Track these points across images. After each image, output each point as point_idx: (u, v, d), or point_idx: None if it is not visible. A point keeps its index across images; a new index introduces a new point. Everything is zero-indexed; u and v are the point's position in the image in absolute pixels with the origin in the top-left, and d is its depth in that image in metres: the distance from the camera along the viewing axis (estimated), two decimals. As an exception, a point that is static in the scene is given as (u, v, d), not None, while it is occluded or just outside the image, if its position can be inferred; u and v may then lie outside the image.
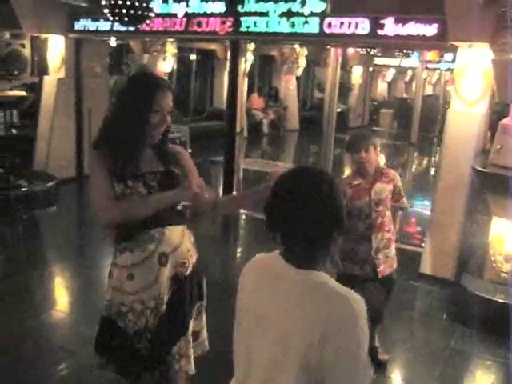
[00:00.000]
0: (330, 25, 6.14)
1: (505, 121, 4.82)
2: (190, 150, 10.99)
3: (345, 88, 17.83)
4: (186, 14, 7.23)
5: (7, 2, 7.81)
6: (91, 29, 8.28)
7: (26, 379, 3.66)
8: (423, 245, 5.89)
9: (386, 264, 3.73)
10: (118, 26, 7.32)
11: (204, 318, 2.65)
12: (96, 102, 9.24)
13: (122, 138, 2.32)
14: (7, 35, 7.91)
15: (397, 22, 5.68)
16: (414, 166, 14.34)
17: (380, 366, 3.87)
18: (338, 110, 15.81)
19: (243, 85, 8.32)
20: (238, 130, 7.90)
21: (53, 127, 8.70)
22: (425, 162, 15.32)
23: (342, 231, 1.52)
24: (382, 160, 14.98)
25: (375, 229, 3.66)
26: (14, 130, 8.58)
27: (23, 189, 7.47)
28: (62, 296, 5.29)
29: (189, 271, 2.48)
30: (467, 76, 5.23)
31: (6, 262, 5.89)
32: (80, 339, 4.22)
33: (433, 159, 15.10)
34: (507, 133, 4.63)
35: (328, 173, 1.58)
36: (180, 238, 2.43)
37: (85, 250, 6.49)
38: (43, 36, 8.22)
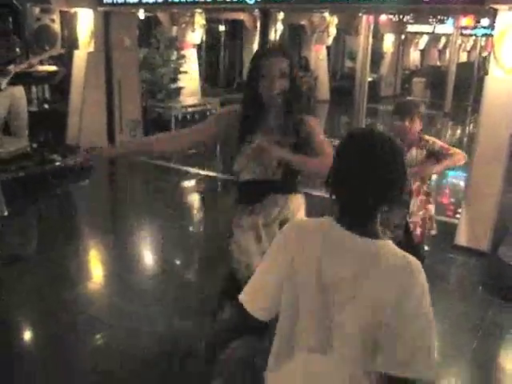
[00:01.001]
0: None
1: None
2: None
3: (376, 57, 17.48)
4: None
5: (36, -23, 7.83)
6: (119, 1, 8.23)
7: (63, 348, 3.75)
8: (458, 216, 5.77)
9: (423, 227, 3.67)
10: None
11: None
12: (126, 75, 9.26)
13: (247, 99, 2.53)
14: (37, 10, 7.90)
15: (432, -15, 5.49)
16: (448, 136, 14.02)
17: None
18: (370, 79, 15.58)
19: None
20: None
21: (84, 101, 8.75)
22: (459, 131, 14.98)
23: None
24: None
25: (411, 193, 3.62)
26: (46, 105, 8.66)
27: (57, 163, 7.57)
28: (96, 269, 5.36)
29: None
30: (507, 41, 5.03)
31: (41, 236, 6.00)
32: (114, 311, 4.29)
33: (467, 129, 14.76)
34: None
35: (395, 140, 1.55)
36: (298, 207, 2.57)
37: (118, 224, 6.57)
38: (72, 10, 8.20)
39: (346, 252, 1.52)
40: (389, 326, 1.45)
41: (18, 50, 7.30)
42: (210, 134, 2.62)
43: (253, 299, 1.66)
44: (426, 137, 3.71)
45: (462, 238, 5.57)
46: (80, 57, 8.57)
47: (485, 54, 19.60)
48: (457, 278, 5.29)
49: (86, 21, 8.36)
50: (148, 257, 5.65)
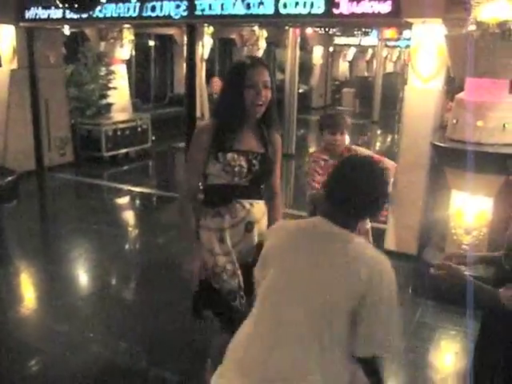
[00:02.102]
0: (285, 5, 6.09)
1: (460, 95, 4.88)
2: (153, 138, 10.91)
3: (306, 68, 17.83)
4: (140, -1, 7.09)
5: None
6: (42, 17, 8.04)
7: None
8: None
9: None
10: (70, 14, 7.16)
11: None
12: (53, 93, 9.06)
13: (226, 111, 2.58)
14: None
15: (351, 0, 5.67)
16: (378, 144, 14.46)
17: None
18: (301, 90, 15.85)
19: (202, 69, 8.22)
20: (198, 115, 7.82)
21: (8, 120, 8.48)
22: (388, 139, 15.46)
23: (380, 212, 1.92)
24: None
25: None
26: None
27: (-19, 184, 7.28)
28: (27, 292, 5.19)
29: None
30: (422, 52, 5.28)
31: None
32: (47, 336, 4.17)
33: (396, 136, 15.27)
34: (462, 107, 4.68)
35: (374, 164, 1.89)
36: (262, 214, 2.71)
37: (48, 245, 6.38)
38: (-6, 27, 7.97)
39: (320, 240, 1.84)
40: (360, 313, 1.72)
41: None
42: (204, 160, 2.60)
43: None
44: (354, 147, 3.78)
45: (391, 243, 5.74)
46: (2, 74, 8.32)
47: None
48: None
49: (7, 37, 8.13)
50: (81, 277, 5.51)
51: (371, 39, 17.06)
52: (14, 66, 8.32)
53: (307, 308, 1.75)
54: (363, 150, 3.79)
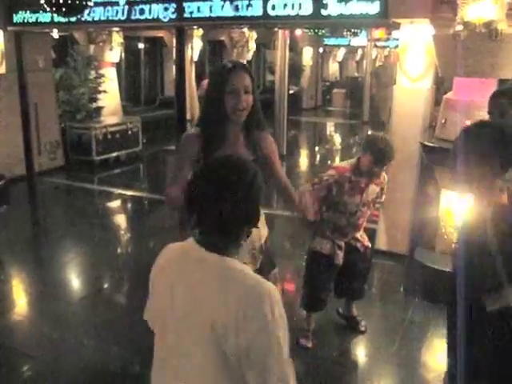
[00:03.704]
0: (273, 7, 6.10)
1: (448, 95, 4.90)
2: (144, 141, 10.89)
3: (296, 70, 17.86)
4: (128, 2, 7.08)
5: None
6: (31, 21, 8.01)
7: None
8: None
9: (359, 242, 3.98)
10: (58, 18, 7.12)
11: (279, 285, 3.00)
12: (42, 97, 9.03)
13: (209, 117, 2.55)
14: None
15: (339, 1, 5.69)
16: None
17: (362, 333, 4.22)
18: (291, 91, 15.86)
19: (191, 71, 8.22)
20: (188, 117, 7.81)
21: (-2, 124, 8.44)
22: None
23: (252, 228, 1.60)
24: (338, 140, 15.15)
25: (354, 227, 3.85)
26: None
27: (-30, 190, 7.23)
28: (19, 298, 5.16)
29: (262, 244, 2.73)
30: (410, 52, 5.31)
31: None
32: (39, 342, 4.15)
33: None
34: (451, 107, 4.71)
35: (253, 167, 1.62)
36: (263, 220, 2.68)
37: (39, 250, 6.36)
38: (-19, 31, 7.93)
39: (196, 268, 1.56)
40: (247, 361, 1.44)
41: None
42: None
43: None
44: (383, 174, 3.85)
45: (382, 243, 5.76)
46: (-9, 79, 8.28)
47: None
48: (378, 281, 5.46)
49: (-4, 42, 8.10)
50: (73, 282, 5.50)
51: (361, 40, 17.11)
52: (3, 70, 8.27)
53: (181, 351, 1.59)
54: (385, 176, 3.89)
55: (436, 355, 4.03)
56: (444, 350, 4.09)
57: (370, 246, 4.08)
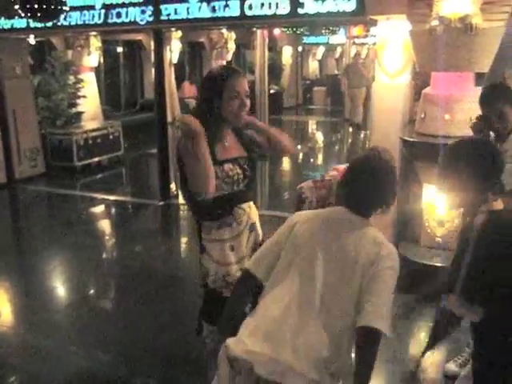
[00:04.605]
0: (250, 7, 6.11)
1: (427, 90, 4.94)
2: (125, 145, 10.82)
3: (276, 69, 17.86)
4: (105, 6, 7.03)
5: None
6: (6, 27, 7.93)
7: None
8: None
9: None
10: (34, 23, 7.05)
11: None
12: (20, 103, 8.96)
13: (207, 123, 2.50)
14: None
15: (316, -1, 5.71)
16: (350, 141, 14.55)
17: None
18: (272, 91, 15.87)
19: (170, 74, 8.17)
20: (169, 120, 7.78)
21: (-24, 133, 8.35)
22: (361, 136, 15.58)
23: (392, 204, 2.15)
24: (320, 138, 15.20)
25: None
26: None
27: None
28: (2, 308, 5.09)
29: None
30: (388, 48, 5.33)
31: None
32: (26, 352, 4.11)
33: (368, 132, 15.38)
34: (429, 101, 4.74)
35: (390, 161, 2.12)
36: (256, 214, 2.79)
37: (22, 259, 6.27)
38: (-46, 39, 7.83)
39: (339, 224, 2.06)
40: (368, 287, 1.90)
41: None
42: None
43: (255, 263, 2.18)
44: None
45: (366, 239, 5.77)
46: (-32, 87, 8.18)
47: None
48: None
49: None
50: (58, 290, 5.44)
51: (339, 37, 17.19)
52: (-21, 78, 8.18)
53: (329, 283, 1.96)
54: None
55: (422, 349, 4.05)
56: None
57: None
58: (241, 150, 2.70)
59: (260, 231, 2.80)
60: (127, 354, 4.02)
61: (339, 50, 23.58)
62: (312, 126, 17.19)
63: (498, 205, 2.06)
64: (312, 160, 11.97)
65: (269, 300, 2.03)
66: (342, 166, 3.88)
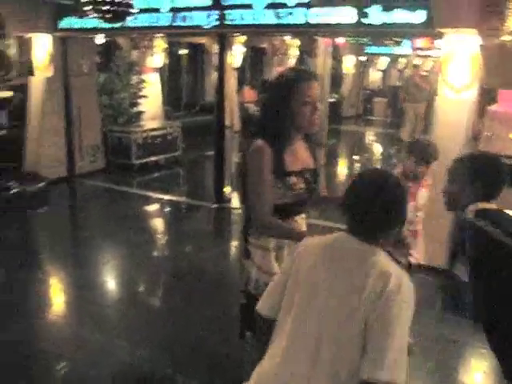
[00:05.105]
0: (315, 15, 6.06)
1: (493, 107, 4.77)
2: (183, 146, 10.97)
3: (337, 78, 17.74)
4: (171, 9, 7.16)
5: (-10, 3, 7.75)
6: (76, 27, 8.19)
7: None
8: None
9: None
10: (102, 24, 7.24)
11: None
12: (85, 100, 9.20)
13: (276, 131, 2.42)
14: (-9, 36, 7.82)
15: (383, 10, 5.61)
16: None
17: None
18: (332, 99, 15.75)
19: (231, 78, 8.23)
20: (227, 123, 7.82)
21: (42, 127, 8.64)
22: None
23: (401, 226, 1.90)
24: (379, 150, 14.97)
25: (414, 235, 3.75)
26: (3, 131, 8.51)
27: (13, 190, 7.42)
28: (55, 298, 5.26)
29: None
30: (454, 62, 5.17)
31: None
32: (72, 342, 4.20)
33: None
34: (495, 119, 4.58)
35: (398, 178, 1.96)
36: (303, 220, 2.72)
37: (77, 251, 6.45)
38: (28, 35, 8.12)
39: (342, 254, 1.84)
40: (372, 328, 1.67)
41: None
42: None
43: (263, 300, 2.03)
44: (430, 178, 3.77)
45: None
46: (37, 82, 8.48)
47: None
48: (415, 295, 5.33)
49: (43, 46, 8.29)
50: (109, 284, 5.55)
51: (403, 49, 16.88)
52: (49, 74, 8.46)
53: (329, 327, 1.75)
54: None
55: (474, 375, 3.90)
56: (482, 370, 3.99)
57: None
58: (308, 159, 2.60)
59: None
60: (172, 352, 4.04)
61: (403, 61, 23.21)
62: (370, 137, 16.96)
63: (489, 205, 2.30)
64: (368, 171, 11.77)
65: (270, 351, 1.91)
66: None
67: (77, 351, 4.05)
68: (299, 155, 2.55)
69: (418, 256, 3.86)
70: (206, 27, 6.94)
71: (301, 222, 2.66)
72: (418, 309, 4.83)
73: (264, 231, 2.53)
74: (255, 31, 7.06)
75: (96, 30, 8.16)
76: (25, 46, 8.12)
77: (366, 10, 5.66)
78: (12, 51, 7.96)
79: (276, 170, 2.45)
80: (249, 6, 6.53)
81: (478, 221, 2.17)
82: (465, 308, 4.48)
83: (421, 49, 16.08)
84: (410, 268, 3.81)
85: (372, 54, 19.88)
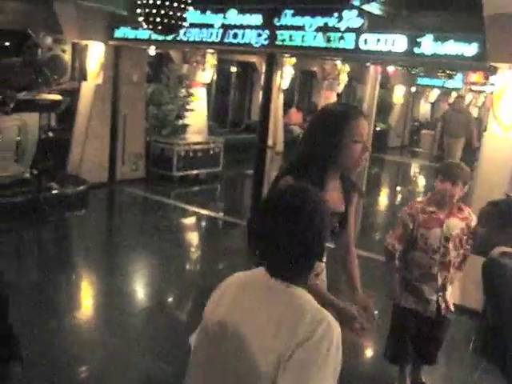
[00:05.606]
0: (365, 41, 6.02)
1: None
2: (225, 162, 11.01)
3: (386, 107, 17.57)
4: (223, 25, 7.23)
5: (51, 9, 7.99)
6: (130, 37, 8.37)
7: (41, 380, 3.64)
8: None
9: (446, 303, 3.61)
10: (155, 35, 7.37)
11: None
12: (132, 109, 9.35)
13: (317, 169, 2.24)
14: (49, 40, 8.03)
15: (435, 40, 5.52)
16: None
17: None
18: (378, 128, 15.59)
19: (278, 98, 8.24)
20: (270, 143, 7.81)
21: (88, 132, 8.80)
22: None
23: (321, 258, 1.59)
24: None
25: (442, 266, 3.47)
26: (50, 133, 8.70)
27: (54, 191, 7.56)
28: (84, 301, 5.30)
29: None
30: (507, 98, 5.02)
31: (33, 264, 5.94)
32: (93, 346, 4.21)
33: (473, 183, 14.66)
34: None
35: (317, 195, 1.60)
36: None
37: (110, 256, 6.50)
38: (84, 42, 8.34)
39: (259, 295, 1.56)
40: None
41: (33, 78, 7.37)
42: None
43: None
44: (463, 206, 3.56)
45: (455, 296, 5.42)
46: (88, 88, 8.67)
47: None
48: (447, 336, 5.14)
49: (96, 54, 8.49)
50: (137, 293, 5.56)
51: (456, 82, 16.62)
52: (100, 81, 8.64)
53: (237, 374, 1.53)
54: (470, 211, 3.52)
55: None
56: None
57: (453, 309, 3.72)
58: (340, 201, 2.39)
59: (325, 278, 2.53)
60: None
61: (454, 95, 22.88)
62: (415, 169, 16.69)
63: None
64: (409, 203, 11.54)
65: None
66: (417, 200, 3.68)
67: (98, 357, 4.04)
68: (332, 196, 2.32)
69: (450, 298, 3.64)
70: (255, 45, 6.97)
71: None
72: (449, 351, 4.64)
73: None
74: (304, 53, 7.05)
75: (149, 41, 8.31)
76: (80, 53, 8.33)
77: (418, 40, 5.58)
78: (67, 57, 8.17)
79: None
80: (301, 28, 6.53)
81: (503, 259, 2.13)
82: (498, 354, 4.28)
83: (474, 83, 15.80)
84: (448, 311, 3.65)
85: (423, 85, 19.65)
